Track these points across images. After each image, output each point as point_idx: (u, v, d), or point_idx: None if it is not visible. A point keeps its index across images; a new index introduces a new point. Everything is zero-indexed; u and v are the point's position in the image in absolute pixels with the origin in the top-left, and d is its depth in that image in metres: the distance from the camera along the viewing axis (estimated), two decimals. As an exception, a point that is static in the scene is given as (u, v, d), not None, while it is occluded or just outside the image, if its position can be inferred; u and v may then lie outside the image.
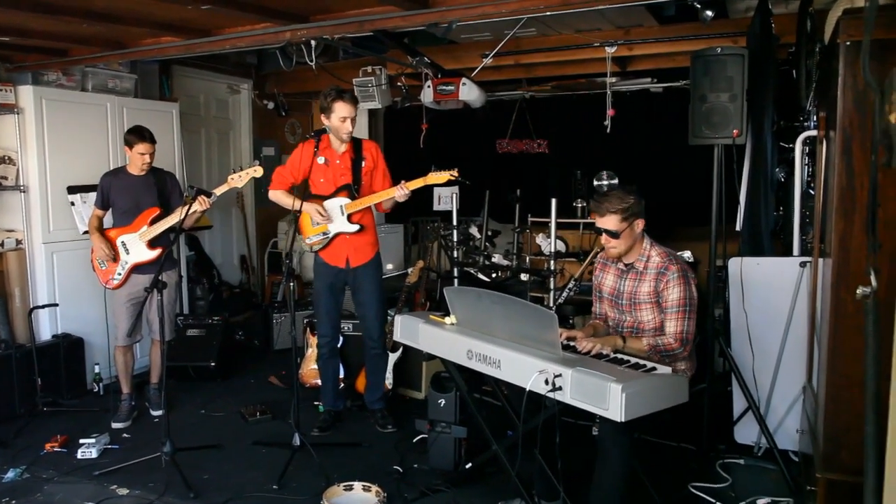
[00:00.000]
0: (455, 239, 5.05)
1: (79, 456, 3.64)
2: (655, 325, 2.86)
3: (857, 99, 2.36)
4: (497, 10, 3.19)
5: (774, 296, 3.49)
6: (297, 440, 3.43)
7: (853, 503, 2.00)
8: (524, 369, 2.50)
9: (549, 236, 4.69)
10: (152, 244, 4.05)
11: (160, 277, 3.53)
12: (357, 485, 3.14)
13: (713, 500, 3.14)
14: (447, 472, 3.39)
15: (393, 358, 4.39)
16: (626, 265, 2.95)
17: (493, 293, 2.78)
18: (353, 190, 3.81)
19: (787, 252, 3.76)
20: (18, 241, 4.50)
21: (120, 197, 4.10)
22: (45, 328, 4.56)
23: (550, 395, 2.37)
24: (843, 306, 2.43)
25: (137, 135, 4.02)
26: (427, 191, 4.34)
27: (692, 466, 3.46)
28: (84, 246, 4.41)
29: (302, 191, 3.84)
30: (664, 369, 2.55)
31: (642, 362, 2.61)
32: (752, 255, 3.66)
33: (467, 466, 3.27)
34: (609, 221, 2.82)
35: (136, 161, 4.05)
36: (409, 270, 4.94)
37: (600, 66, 5.03)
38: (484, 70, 4.93)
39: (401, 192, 3.69)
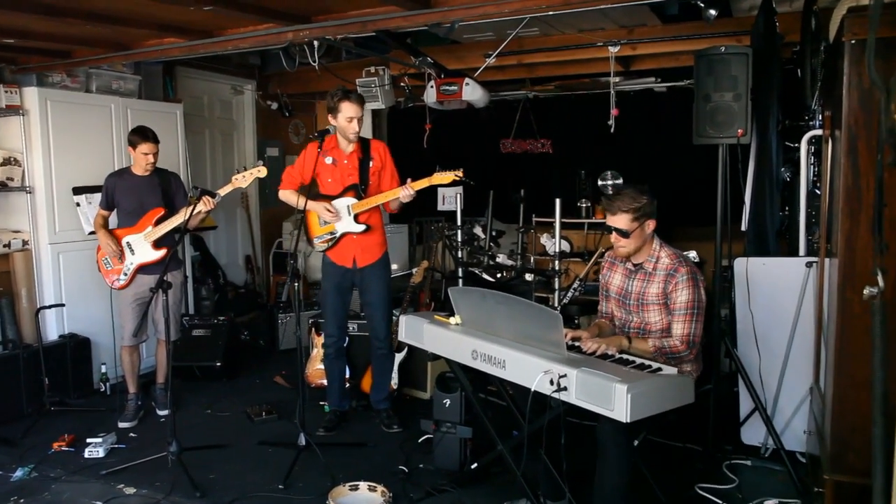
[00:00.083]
0: (459, 239, 5.05)
1: (86, 455, 3.65)
2: (662, 327, 2.85)
3: (862, 98, 2.35)
4: (499, 9, 3.19)
5: (780, 296, 3.48)
6: (302, 440, 3.43)
7: (860, 504, 1.99)
8: (529, 369, 2.50)
9: (553, 236, 4.69)
10: (157, 244, 4.06)
11: (165, 277, 3.53)
12: (362, 485, 3.14)
13: (720, 502, 3.13)
14: (452, 472, 3.39)
15: (398, 358, 4.40)
16: (634, 265, 2.93)
17: (497, 293, 2.78)
18: (360, 190, 3.81)
19: (793, 252, 3.75)
20: (25, 242, 4.52)
21: (124, 197, 4.11)
22: (52, 328, 4.58)
23: (555, 395, 2.37)
24: (850, 307, 2.42)
25: (141, 135, 4.03)
26: (431, 191, 4.34)
27: (699, 467, 3.45)
28: (90, 247, 4.43)
29: (308, 190, 3.84)
30: (670, 370, 2.55)
31: (648, 363, 2.61)
32: (758, 256, 3.65)
33: (473, 467, 3.27)
34: (620, 220, 2.80)
35: (140, 161, 4.06)
36: (414, 271, 4.95)
37: (604, 65, 5.02)
38: (487, 70, 4.93)
39: (405, 192, 3.69)
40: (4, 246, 4.40)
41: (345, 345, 4.12)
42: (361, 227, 3.83)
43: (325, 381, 4.27)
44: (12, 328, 4.43)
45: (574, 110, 6.49)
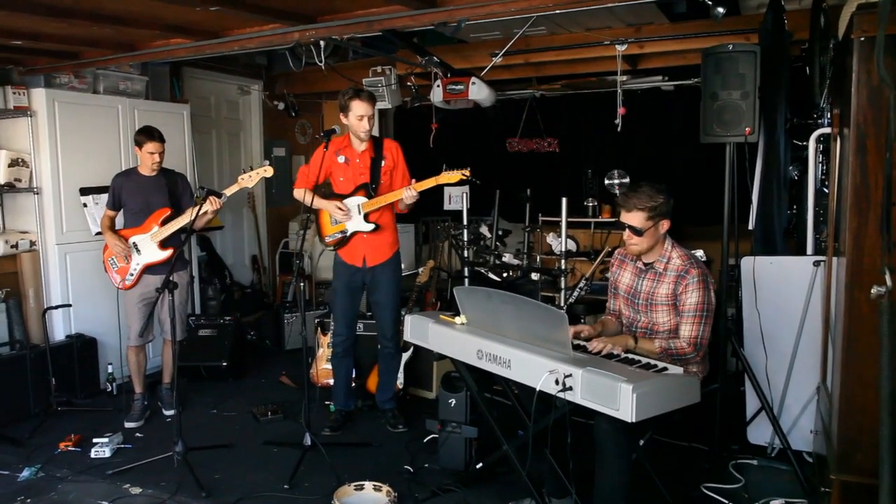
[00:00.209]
0: (465, 238, 5.05)
1: (92, 455, 3.66)
2: (670, 328, 2.84)
3: (871, 95, 2.33)
4: (505, 8, 3.18)
5: (788, 295, 3.46)
6: (308, 440, 3.44)
7: (868, 505, 1.97)
8: (534, 369, 2.49)
9: (559, 235, 4.67)
10: (164, 245, 4.08)
11: (171, 278, 3.55)
12: (368, 484, 3.15)
13: (726, 501, 3.12)
14: (458, 471, 3.39)
15: (404, 357, 4.40)
16: (645, 264, 2.92)
17: (503, 293, 2.77)
18: (371, 189, 3.82)
19: (801, 251, 3.72)
20: (32, 243, 4.54)
21: (131, 197, 4.12)
22: (59, 328, 4.60)
23: (561, 395, 2.36)
24: (858, 306, 2.40)
25: (146, 134, 4.04)
26: (438, 190, 4.34)
27: (705, 467, 3.44)
28: (97, 247, 4.45)
29: (320, 189, 3.85)
30: (675, 369, 2.53)
31: (653, 362, 2.59)
32: (765, 254, 3.62)
33: (478, 466, 3.27)
34: (635, 218, 2.77)
35: (146, 161, 4.07)
36: (420, 270, 4.95)
37: (611, 64, 5.00)
38: (494, 69, 4.92)
39: (408, 193, 3.69)
40: (12, 246, 4.43)
41: (353, 344, 4.12)
42: (371, 227, 3.83)
43: (330, 381, 4.28)
44: (19, 328, 4.46)
45: (581, 109, 6.47)
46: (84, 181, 4.66)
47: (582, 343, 2.76)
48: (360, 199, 3.83)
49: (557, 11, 3.42)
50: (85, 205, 4.66)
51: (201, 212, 3.79)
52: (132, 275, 4.10)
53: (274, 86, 6.82)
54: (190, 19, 3.64)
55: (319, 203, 3.80)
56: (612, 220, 5.29)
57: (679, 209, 2.85)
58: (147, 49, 4.23)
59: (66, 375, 4.41)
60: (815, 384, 3.39)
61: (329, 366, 4.33)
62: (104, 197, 4.34)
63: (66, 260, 4.61)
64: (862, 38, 2.30)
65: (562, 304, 4.52)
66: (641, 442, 2.79)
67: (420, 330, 3.12)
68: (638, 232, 2.78)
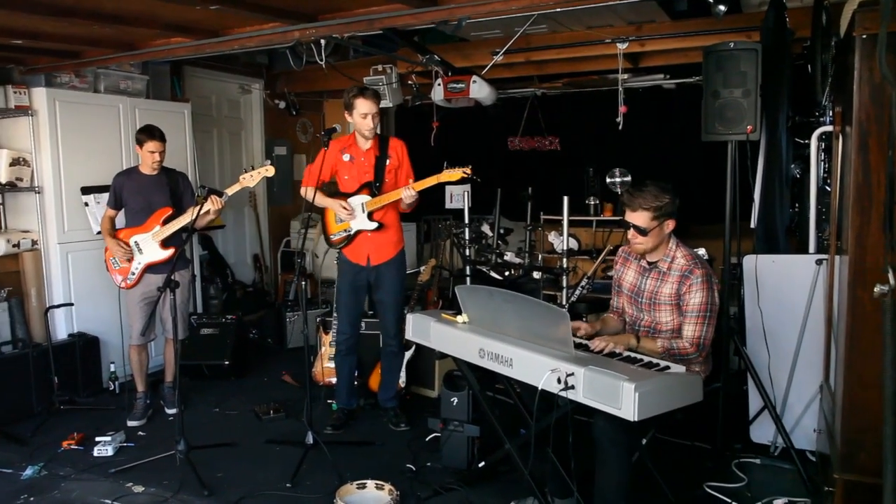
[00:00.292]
0: (467, 237, 5.05)
1: (95, 454, 3.67)
2: (673, 327, 2.83)
3: (873, 93, 2.32)
4: (506, 6, 3.17)
5: (790, 293, 3.46)
6: (310, 438, 3.44)
7: (871, 504, 1.97)
8: (536, 368, 2.49)
9: (561, 234, 4.67)
10: (165, 244, 4.08)
11: (173, 276, 3.55)
12: (370, 483, 3.15)
13: (729, 500, 3.11)
14: (460, 470, 3.39)
15: (406, 356, 4.39)
16: (649, 263, 2.91)
17: (505, 291, 2.77)
18: (375, 188, 3.82)
19: (803, 249, 3.72)
20: (34, 242, 4.54)
21: (132, 197, 4.12)
22: (61, 327, 4.61)
23: (563, 393, 2.36)
24: (860, 304, 2.39)
25: (147, 133, 4.05)
26: (439, 189, 4.33)
27: (707, 466, 3.43)
28: (98, 246, 4.45)
29: (327, 187, 3.84)
30: (678, 368, 2.53)
31: (656, 361, 2.59)
32: (767, 253, 3.62)
33: (480, 465, 3.27)
34: (640, 217, 2.77)
35: (147, 159, 4.07)
36: (422, 269, 4.94)
37: (612, 62, 4.99)
38: (495, 67, 4.91)
39: (407, 192, 3.69)
40: (14, 246, 4.43)
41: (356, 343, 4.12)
42: (374, 225, 3.83)
43: (332, 380, 4.28)
44: (22, 327, 4.46)
45: (582, 107, 6.46)
46: (85, 180, 4.66)
47: (584, 342, 2.75)
48: (363, 198, 3.83)
49: (558, 9, 3.41)
50: (86, 204, 4.66)
51: (203, 211, 3.79)
52: (133, 274, 4.10)
53: (275, 84, 6.81)
54: (190, 18, 3.63)
55: (323, 201, 3.80)
56: (614, 218, 5.29)
57: (680, 207, 2.85)
58: (147, 48, 4.23)
59: (69, 374, 4.41)
60: (817, 383, 3.38)
61: (332, 364, 4.33)
62: (105, 196, 4.34)
63: (67, 259, 4.61)
64: (864, 36, 2.29)
65: (563, 302, 4.52)
66: (644, 441, 2.79)
67: (422, 329, 3.12)
68: (643, 232, 2.77)
